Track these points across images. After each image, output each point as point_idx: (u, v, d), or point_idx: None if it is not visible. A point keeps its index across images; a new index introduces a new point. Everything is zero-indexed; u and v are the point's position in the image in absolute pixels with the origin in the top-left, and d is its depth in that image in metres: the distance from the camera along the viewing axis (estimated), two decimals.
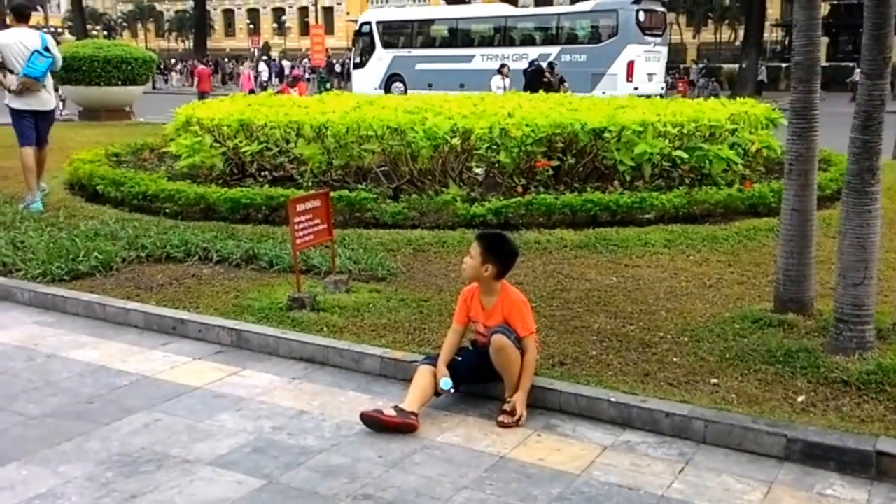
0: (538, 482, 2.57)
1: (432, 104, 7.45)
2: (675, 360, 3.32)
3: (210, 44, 45.88)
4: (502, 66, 18.56)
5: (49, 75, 6.51)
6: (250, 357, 3.64)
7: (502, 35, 24.24)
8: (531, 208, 5.60)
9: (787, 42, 40.72)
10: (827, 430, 2.70)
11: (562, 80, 20.69)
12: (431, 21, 26.77)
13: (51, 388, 3.31)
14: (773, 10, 40.92)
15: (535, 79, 18.11)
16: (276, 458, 2.72)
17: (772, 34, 43.02)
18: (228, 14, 64.71)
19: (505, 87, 16.80)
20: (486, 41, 24.53)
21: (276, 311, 3.96)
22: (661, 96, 14.98)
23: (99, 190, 6.66)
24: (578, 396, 3.01)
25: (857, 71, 4.89)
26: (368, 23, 26.36)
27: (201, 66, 23.32)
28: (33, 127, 6.47)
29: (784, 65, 32.65)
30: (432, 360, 3.09)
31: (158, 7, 63.59)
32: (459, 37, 25.03)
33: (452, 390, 3.00)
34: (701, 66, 37.02)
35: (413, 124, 6.15)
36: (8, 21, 6.76)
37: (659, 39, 22.77)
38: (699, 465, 2.66)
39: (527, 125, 6.07)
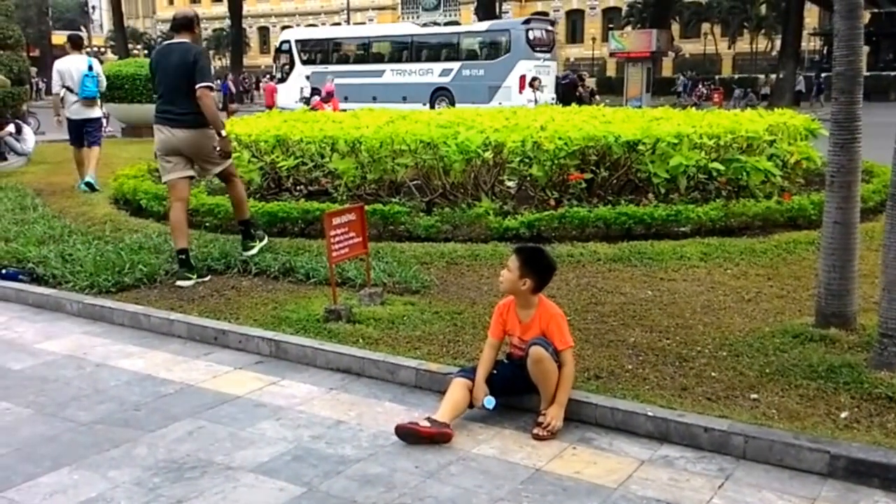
0: (574, 495, 2.57)
1: (464, 118, 7.51)
2: (713, 374, 3.29)
3: (246, 60, 46.90)
4: (534, 79, 18.67)
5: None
6: (289, 367, 3.71)
7: (409, 52, 26.62)
8: (564, 221, 5.60)
9: (824, 52, 39.94)
10: (871, 447, 2.65)
11: (592, 93, 20.71)
12: (345, 39, 29.34)
13: (99, 396, 3.42)
14: (811, 20, 40.18)
15: (569, 91, 18.14)
16: (316, 466, 2.77)
17: (809, 43, 42.25)
18: (263, 31, 66.13)
19: (536, 101, 16.83)
20: (395, 57, 26.91)
21: (313, 322, 4.03)
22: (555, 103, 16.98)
23: (142, 204, 6.87)
24: (615, 410, 3.00)
25: None
26: (288, 41, 28.96)
27: (270, 83, 24.32)
28: (77, 130, 8.39)
29: (823, 74, 32.01)
30: (467, 372, 3.11)
31: None
32: (371, 54, 27.54)
33: (491, 408, 3.02)
34: (687, 76, 36.28)
35: (445, 138, 6.21)
36: (67, 49, 8.59)
37: (548, 55, 25.14)
38: (739, 481, 2.63)
39: (559, 138, 6.07)
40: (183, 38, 4.96)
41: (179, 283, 4.83)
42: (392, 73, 25.98)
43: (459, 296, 4.48)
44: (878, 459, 2.57)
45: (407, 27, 29.85)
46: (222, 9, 48.96)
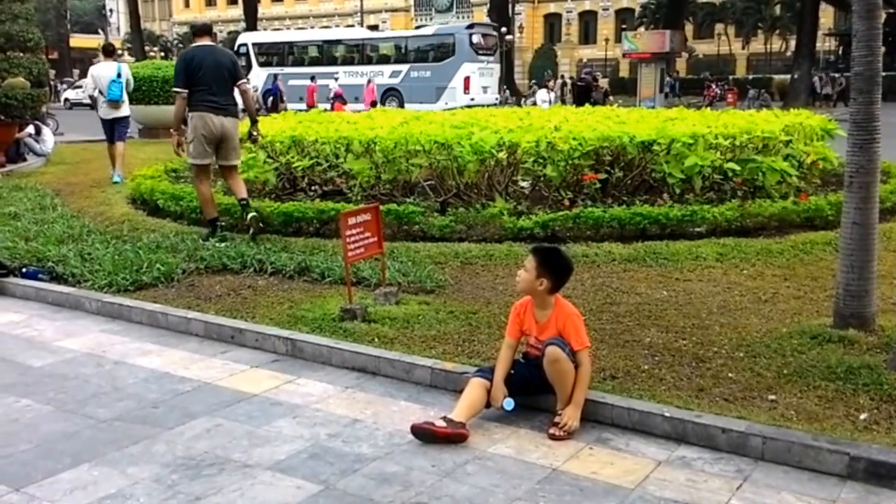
0: (592, 495, 2.56)
1: (478, 119, 7.52)
2: (730, 375, 3.27)
3: None
4: (548, 80, 18.66)
5: (125, 93, 9.46)
6: (305, 366, 3.73)
7: (361, 55, 28.58)
8: (579, 221, 5.59)
9: (840, 52, 39.51)
10: (892, 449, 2.62)
11: (606, 94, 20.65)
12: (300, 42, 31.19)
13: (118, 394, 3.46)
14: (826, 20, 39.76)
15: (584, 93, 18.10)
16: (332, 464, 2.79)
17: (824, 44, 41.83)
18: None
19: (550, 101, 16.80)
20: (348, 60, 28.82)
21: (329, 321, 4.05)
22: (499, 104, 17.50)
23: (160, 204, 6.93)
24: (631, 410, 2.99)
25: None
26: (245, 44, 30.62)
27: (311, 83, 25.28)
28: (109, 128, 9.44)
29: (837, 75, 31.69)
30: (485, 373, 3.11)
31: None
32: (325, 56, 29.37)
33: (511, 409, 3.02)
34: (673, 77, 35.95)
35: (460, 139, 6.21)
36: (102, 56, 9.83)
37: (491, 58, 26.79)
38: (757, 483, 2.61)
39: (574, 139, 6.06)
40: (207, 42, 5.75)
41: (208, 242, 5.60)
42: (345, 75, 27.02)
43: (474, 295, 4.48)
44: None
45: (359, 31, 31.84)
46: (237, 11, 49.32)
